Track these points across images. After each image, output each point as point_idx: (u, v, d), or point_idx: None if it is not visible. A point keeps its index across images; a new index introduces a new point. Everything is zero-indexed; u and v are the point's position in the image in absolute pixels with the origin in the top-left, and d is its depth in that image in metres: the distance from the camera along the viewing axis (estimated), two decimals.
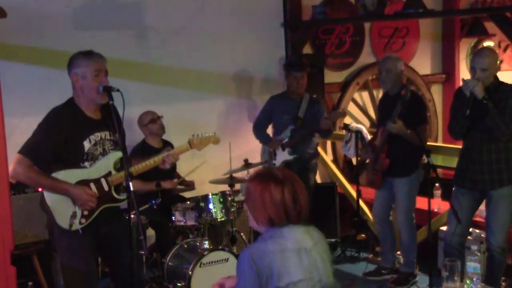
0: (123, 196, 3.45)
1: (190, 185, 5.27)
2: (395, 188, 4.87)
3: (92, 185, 3.35)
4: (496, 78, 4.07)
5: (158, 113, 5.16)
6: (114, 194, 3.42)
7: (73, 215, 3.30)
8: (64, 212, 3.31)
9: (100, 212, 3.38)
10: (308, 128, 5.37)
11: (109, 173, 3.40)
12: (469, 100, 3.95)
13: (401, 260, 5.07)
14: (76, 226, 3.31)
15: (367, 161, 5.25)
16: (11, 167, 3.30)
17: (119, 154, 3.41)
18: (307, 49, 6.53)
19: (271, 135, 5.65)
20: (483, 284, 3.02)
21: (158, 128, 5.11)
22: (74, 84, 3.36)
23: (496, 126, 3.92)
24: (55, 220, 3.32)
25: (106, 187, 3.38)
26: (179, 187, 5.17)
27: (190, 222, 4.70)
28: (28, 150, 3.27)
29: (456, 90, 4.29)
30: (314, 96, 5.93)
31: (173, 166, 5.29)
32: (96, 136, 3.38)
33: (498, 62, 4.10)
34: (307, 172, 5.56)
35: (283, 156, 5.41)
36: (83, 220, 3.33)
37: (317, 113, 5.45)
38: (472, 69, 4.07)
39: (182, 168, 5.46)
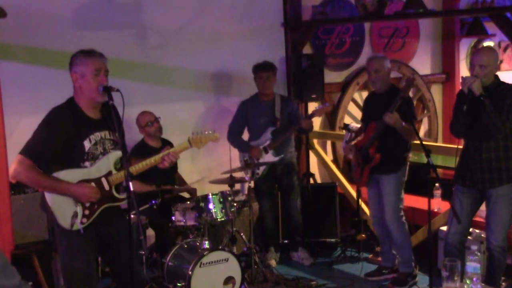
0: (123, 195, 3.45)
1: (191, 192, 5.27)
2: (382, 185, 4.87)
3: (92, 184, 3.35)
4: (497, 78, 4.08)
5: (156, 114, 5.16)
6: (115, 194, 3.42)
7: (75, 215, 3.30)
8: (65, 212, 3.31)
9: (101, 212, 3.38)
10: (290, 127, 5.38)
11: (110, 173, 3.39)
12: (467, 96, 3.97)
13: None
14: (78, 226, 3.31)
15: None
16: (12, 168, 3.30)
17: (119, 153, 3.40)
18: (307, 49, 6.53)
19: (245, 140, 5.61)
20: (483, 284, 3.01)
21: (155, 130, 5.12)
22: (74, 83, 3.36)
23: (491, 123, 3.93)
24: (57, 220, 3.32)
25: (107, 187, 3.38)
26: (179, 188, 5.17)
27: (190, 222, 4.69)
28: (29, 150, 3.27)
29: (459, 90, 4.29)
30: (314, 96, 5.95)
31: (174, 168, 5.29)
32: (96, 136, 3.38)
33: (497, 60, 4.10)
34: (290, 172, 5.58)
35: (267, 158, 5.40)
36: (84, 220, 3.33)
37: (292, 111, 5.50)
38: (471, 66, 4.11)
39: (183, 168, 5.47)
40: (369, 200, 5.09)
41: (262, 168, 5.43)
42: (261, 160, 5.39)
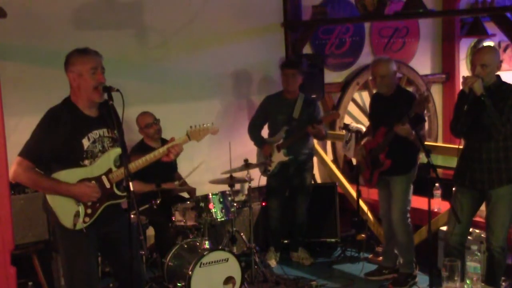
0: (125, 192, 3.43)
1: (191, 192, 5.26)
2: (391, 186, 4.87)
3: (93, 183, 3.34)
4: (499, 78, 4.07)
5: (155, 114, 5.16)
6: (116, 191, 3.41)
7: (77, 214, 3.30)
8: (67, 211, 3.30)
9: (102, 211, 3.38)
10: (301, 129, 5.36)
11: (110, 170, 3.39)
12: (467, 96, 3.96)
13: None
14: (80, 225, 3.31)
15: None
16: (11, 169, 3.29)
17: (118, 150, 3.40)
18: (307, 49, 6.53)
19: (266, 135, 5.63)
20: (483, 284, 3.02)
21: (153, 132, 5.12)
22: (71, 82, 3.35)
23: (492, 124, 3.92)
24: (59, 220, 3.32)
25: (107, 185, 3.38)
26: (179, 187, 5.17)
27: (190, 222, 4.70)
28: (28, 151, 3.27)
29: (461, 90, 4.29)
30: (314, 96, 5.94)
31: (174, 167, 5.29)
32: (95, 134, 3.37)
33: (499, 60, 4.09)
34: (303, 172, 5.57)
35: (278, 157, 5.41)
36: (87, 219, 3.33)
37: (312, 114, 5.44)
38: (472, 66, 4.09)
39: (183, 168, 5.46)
40: (380, 200, 5.08)
41: (273, 165, 5.43)
42: (272, 158, 5.40)
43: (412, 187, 4.90)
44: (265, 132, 5.70)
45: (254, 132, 5.61)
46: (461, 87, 4.14)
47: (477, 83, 3.91)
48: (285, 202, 5.70)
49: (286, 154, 5.40)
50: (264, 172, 5.50)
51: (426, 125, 7.47)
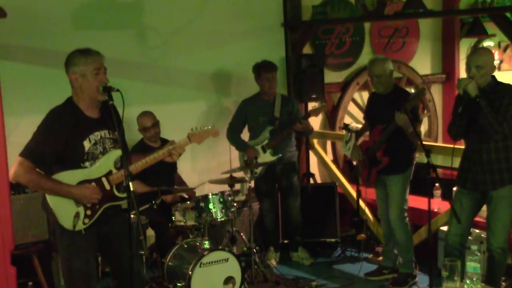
0: (125, 194, 3.44)
1: (190, 194, 5.26)
2: (388, 186, 4.88)
3: (93, 185, 3.34)
4: (494, 78, 4.07)
5: (156, 114, 5.14)
6: (116, 192, 3.41)
7: (77, 215, 3.30)
8: (67, 212, 3.30)
9: (102, 212, 3.38)
10: (287, 127, 5.37)
11: (110, 172, 3.39)
12: (462, 98, 3.96)
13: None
14: (80, 226, 3.31)
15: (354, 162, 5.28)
16: (12, 170, 3.28)
17: (119, 152, 3.39)
18: (307, 49, 6.53)
19: (246, 138, 5.61)
20: (483, 284, 3.01)
21: (150, 136, 5.09)
22: (73, 83, 3.34)
23: (488, 124, 3.92)
24: (58, 221, 3.31)
25: (107, 186, 3.37)
26: (179, 188, 5.18)
27: (190, 222, 4.70)
28: (29, 152, 3.26)
29: (457, 93, 4.28)
30: (314, 95, 5.95)
31: (174, 168, 5.28)
32: (96, 136, 3.37)
33: (494, 61, 4.09)
34: (290, 172, 5.58)
35: (266, 157, 5.40)
36: (86, 220, 3.33)
37: (292, 111, 5.48)
38: (467, 67, 4.09)
39: (183, 169, 5.46)
40: (377, 199, 5.09)
41: (260, 167, 5.43)
42: (259, 160, 5.39)
43: (409, 185, 4.90)
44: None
45: (234, 137, 5.57)
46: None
47: (471, 85, 3.91)
48: (279, 202, 5.71)
49: (273, 154, 5.41)
50: (251, 175, 5.47)
51: (426, 125, 7.51)
